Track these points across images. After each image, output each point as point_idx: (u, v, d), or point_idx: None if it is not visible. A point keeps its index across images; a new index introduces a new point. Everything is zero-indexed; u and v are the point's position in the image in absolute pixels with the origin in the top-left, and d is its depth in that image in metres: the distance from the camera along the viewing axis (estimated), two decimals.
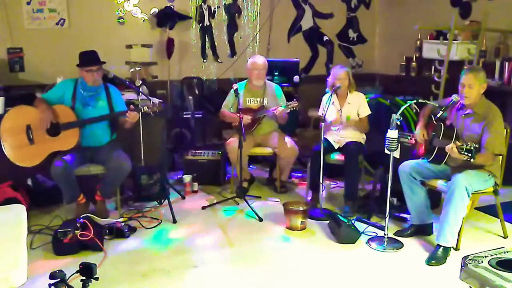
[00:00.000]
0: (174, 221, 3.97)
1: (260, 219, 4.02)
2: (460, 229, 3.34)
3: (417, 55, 5.76)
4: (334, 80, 4.21)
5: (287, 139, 4.60)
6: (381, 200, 3.89)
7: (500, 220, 3.65)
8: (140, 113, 3.93)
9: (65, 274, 2.40)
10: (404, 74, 5.95)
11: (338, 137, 4.33)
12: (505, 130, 3.44)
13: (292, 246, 3.58)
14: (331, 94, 4.12)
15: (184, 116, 5.49)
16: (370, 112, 4.33)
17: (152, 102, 3.94)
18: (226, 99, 4.70)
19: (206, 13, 5.83)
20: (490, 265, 2.34)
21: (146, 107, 3.91)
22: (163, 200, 4.33)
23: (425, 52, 5.58)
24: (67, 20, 5.23)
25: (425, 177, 3.58)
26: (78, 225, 3.40)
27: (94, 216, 3.61)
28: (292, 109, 4.36)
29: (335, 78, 4.21)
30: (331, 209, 4.10)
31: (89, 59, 3.90)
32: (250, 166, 5.06)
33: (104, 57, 4.00)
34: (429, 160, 3.53)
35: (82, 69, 3.89)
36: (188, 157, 4.93)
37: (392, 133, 3.32)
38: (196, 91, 5.78)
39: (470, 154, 3.02)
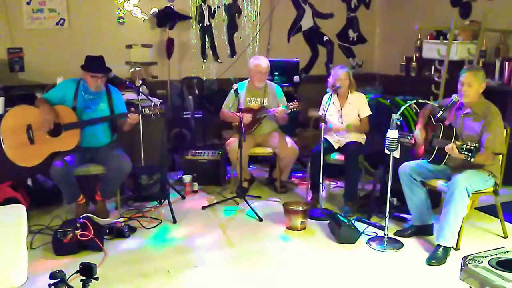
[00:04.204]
0: (174, 221, 3.97)
1: (260, 219, 4.02)
2: (460, 229, 3.34)
3: (417, 55, 5.76)
4: (335, 81, 4.22)
5: (287, 139, 4.60)
6: (381, 200, 3.89)
7: (500, 220, 3.65)
8: (141, 115, 3.93)
9: (65, 274, 2.41)
10: (404, 74, 5.94)
11: (338, 137, 4.33)
12: (505, 129, 3.44)
13: (292, 246, 3.58)
14: (331, 94, 4.13)
15: (184, 116, 5.50)
16: (371, 113, 4.34)
17: (154, 104, 3.92)
18: (227, 99, 4.70)
19: (206, 13, 5.83)
20: (490, 265, 2.34)
21: (147, 109, 3.89)
22: (163, 200, 4.33)
23: (425, 52, 5.57)
24: (67, 20, 5.23)
25: (425, 178, 3.59)
26: (78, 225, 3.40)
27: (94, 216, 3.61)
28: (292, 109, 4.36)
29: (336, 78, 4.22)
30: (331, 209, 4.10)
31: (96, 65, 3.86)
32: (250, 166, 5.06)
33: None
34: (429, 160, 3.53)
35: (86, 73, 3.86)
36: (188, 157, 4.93)
37: (392, 133, 3.32)
38: (196, 91, 5.78)
39: (470, 154, 3.02)
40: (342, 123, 4.30)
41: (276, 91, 4.68)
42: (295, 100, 4.41)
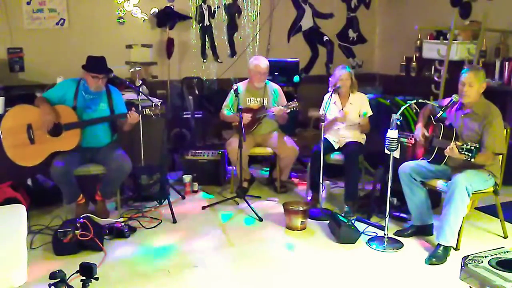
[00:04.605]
0: (174, 221, 3.97)
1: (260, 219, 4.02)
2: (460, 229, 3.34)
3: (417, 55, 5.76)
4: (336, 80, 4.22)
5: (287, 139, 4.61)
6: (381, 200, 3.89)
7: (500, 220, 3.65)
8: (141, 115, 3.93)
9: (65, 274, 2.40)
10: (404, 74, 5.94)
11: (338, 137, 4.33)
12: (505, 130, 3.45)
13: (292, 246, 3.58)
14: (331, 94, 4.13)
15: (184, 116, 5.50)
16: (372, 113, 4.34)
17: (154, 104, 3.93)
18: (226, 99, 4.70)
19: (206, 13, 5.83)
20: (490, 265, 2.34)
21: (147, 109, 3.89)
22: (163, 200, 4.33)
23: (425, 52, 5.57)
24: (67, 20, 5.23)
25: (425, 178, 3.59)
26: (78, 225, 3.40)
27: (94, 216, 3.61)
28: (292, 109, 4.36)
29: (337, 78, 4.22)
30: (331, 209, 4.10)
31: (97, 66, 3.86)
32: (250, 166, 5.06)
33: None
34: (429, 160, 3.53)
35: (87, 73, 3.87)
36: (188, 157, 4.93)
37: (392, 133, 3.32)
38: (196, 91, 5.78)
39: (470, 154, 3.03)
40: (343, 123, 4.30)
41: (276, 91, 4.68)
42: (295, 99, 4.41)
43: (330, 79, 4.34)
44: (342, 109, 4.30)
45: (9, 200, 3.77)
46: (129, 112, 3.88)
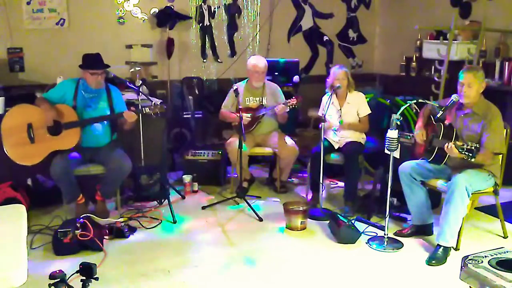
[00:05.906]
0: (174, 221, 3.97)
1: (260, 219, 4.02)
2: (460, 229, 3.34)
3: (417, 55, 5.76)
4: (333, 80, 4.22)
5: (287, 139, 4.61)
6: (381, 200, 3.89)
7: (500, 220, 3.65)
8: (141, 114, 3.93)
9: (65, 274, 2.40)
10: (404, 74, 5.94)
11: (338, 137, 4.33)
12: (505, 129, 3.44)
13: (292, 246, 3.58)
14: (331, 94, 4.13)
15: (184, 116, 5.50)
16: (370, 112, 4.34)
17: (154, 104, 3.93)
18: (226, 99, 4.71)
19: (206, 13, 5.83)
20: (490, 265, 2.34)
21: (147, 108, 3.90)
22: (163, 200, 4.33)
23: (425, 52, 5.57)
24: (67, 20, 5.23)
25: (425, 178, 3.58)
26: (78, 225, 3.40)
27: (94, 216, 3.61)
28: (291, 106, 4.35)
29: (334, 78, 4.22)
30: (331, 209, 4.10)
31: (94, 62, 3.88)
32: (251, 166, 5.06)
33: (104, 57, 3.99)
34: (429, 160, 3.53)
35: (85, 72, 3.88)
36: (188, 157, 4.93)
37: (392, 133, 3.32)
38: (196, 91, 5.78)
39: (471, 154, 3.03)
40: (337, 126, 4.30)
41: (275, 91, 4.68)
42: (294, 97, 4.40)
43: (327, 80, 4.33)
44: (341, 109, 4.29)
45: (9, 200, 3.78)
46: (124, 111, 3.88)
